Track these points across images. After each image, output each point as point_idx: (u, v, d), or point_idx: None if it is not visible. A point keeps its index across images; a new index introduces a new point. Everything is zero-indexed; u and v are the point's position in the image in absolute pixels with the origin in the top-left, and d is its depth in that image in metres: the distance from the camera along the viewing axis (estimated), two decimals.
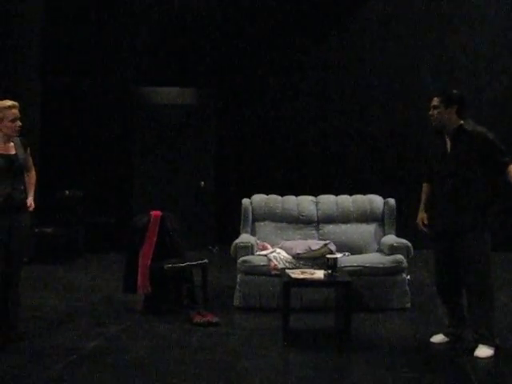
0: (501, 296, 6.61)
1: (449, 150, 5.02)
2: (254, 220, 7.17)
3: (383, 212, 7.10)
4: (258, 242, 6.87)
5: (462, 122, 4.99)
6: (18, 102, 5.11)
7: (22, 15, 9.04)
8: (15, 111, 5.01)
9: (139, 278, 6.16)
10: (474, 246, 4.85)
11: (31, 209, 5.25)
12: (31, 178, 5.29)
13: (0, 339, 5.04)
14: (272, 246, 6.81)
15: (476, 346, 4.88)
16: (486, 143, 4.87)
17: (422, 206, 5.39)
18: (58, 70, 10.09)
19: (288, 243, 6.71)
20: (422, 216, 5.35)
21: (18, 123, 5.02)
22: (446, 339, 5.22)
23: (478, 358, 4.80)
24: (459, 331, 5.20)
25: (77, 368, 4.57)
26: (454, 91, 5.08)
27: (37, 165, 8.78)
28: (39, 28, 9.42)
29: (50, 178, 9.70)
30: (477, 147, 4.87)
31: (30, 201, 5.25)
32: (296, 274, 5.46)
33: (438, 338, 5.25)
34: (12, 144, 5.08)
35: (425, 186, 5.39)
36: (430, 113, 5.08)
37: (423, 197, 5.40)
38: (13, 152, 5.06)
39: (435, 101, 5.06)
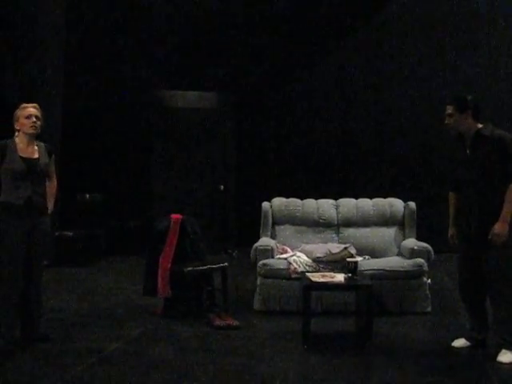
0: None
1: (469, 155, 4.98)
2: (274, 223, 7.16)
3: (404, 215, 7.07)
4: (278, 245, 6.86)
5: (480, 126, 4.95)
6: (40, 106, 5.16)
7: (45, 19, 9.11)
8: (30, 109, 5.04)
9: (159, 281, 6.17)
10: (500, 251, 4.79)
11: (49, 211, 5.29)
12: (52, 188, 5.28)
13: (22, 341, 5.08)
14: (292, 249, 6.80)
15: (499, 351, 4.83)
16: (503, 147, 4.80)
17: (451, 220, 5.27)
18: (80, 74, 10.17)
19: (308, 247, 6.70)
20: (452, 232, 5.24)
21: (33, 119, 5.03)
22: (468, 344, 5.15)
23: (500, 363, 4.74)
24: (482, 336, 5.14)
25: (97, 370, 4.59)
26: (467, 96, 5.02)
27: (58, 170, 8.97)
28: (61, 32, 9.49)
29: (70, 181, 9.75)
30: (495, 151, 4.81)
31: (50, 207, 5.29)
32: (316, 277, 5.45)
33: (460, 343, 5.19)
34: (36, 148, 5.12)
35: (451, 196, 5.27)
36: (446, 122, 5.03)
37: (451, 210, 5.27)
38: (35, 156, 5.09)
39: (449, 109, 5.00)
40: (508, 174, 4.78)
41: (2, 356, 4.80)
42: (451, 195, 5.27)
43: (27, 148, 5.07)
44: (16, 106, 5.15)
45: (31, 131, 5.07)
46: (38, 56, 9.02)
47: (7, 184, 4.95)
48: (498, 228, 4.74)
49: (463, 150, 5.03)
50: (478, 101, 5.01)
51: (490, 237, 4.77)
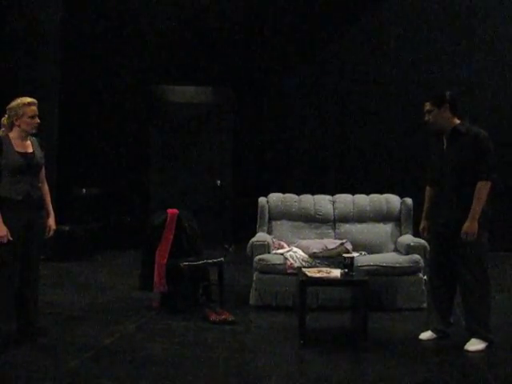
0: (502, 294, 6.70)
1: (445, 151, 5.10)
2: (271, 219, 7.16)
3: (400, 211, 7.08)
4: (275, 240, 6.86)
5: (457, 121, 5.06)
6: (37, 100, 5.14)
7: (42, 15, 9.09)
8: (34, 108, 5.04)
9: (156, 275, 6.17)
10: (471, 244, 4.89)
11: (52, 232, 5.28)
12: (46, 193, 5.29)
13: (18, 335, 5.08)
14: (288, 244, 6.80)
15: (468, 341, 4.97)
16: (478, 146, 4.91)
17: (424, 213, 5.45)
18: (77, 69, 10.14)
19: (304, 242, 6.70)
20: (424, 225, 5.44)
21: (37, 120, 5.05)
22: (434, 336, 5.26)
23: (467, 351, 4.88)
24: (448, 329, 5.26)
25: (93, 364, 4.59)
26: (444, 91, 5.14)
27: (55, 164, 8.97)
28: (58, 27, 9.46)
29: (67, 175, 9.75)
30: (469, 148, 4.93)
31: (52, 222, 5.27)
32: (312, 272, 5.45)
33: (426, 335, 5.29)
34: (29, 142, 5.12)
35: (427, 191, 5.43)
36: (426, 118, 5.16)
37: (426, 204, 5.44)
38: (30, 150, 5.09)
39: (427, 105, 5.14)
40: (479, 170, 4.89)
41: None
42: (428, 190, 5.43)
43: (22, 143, 5.06)
44: (10, 98, 5.12)
45: (34, 131, 5.09)
46: (34, 50, 8.99)
47: (5, 179, 4.93)
48: (468, 226, 4.86)
49: (441, 145, 5.15)
50: (455, 96, 5.13)
51: (461, 235, 4.87)
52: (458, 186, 4.96)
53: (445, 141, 5.12)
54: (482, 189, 4.86)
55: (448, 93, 5.10)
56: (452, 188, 5.00)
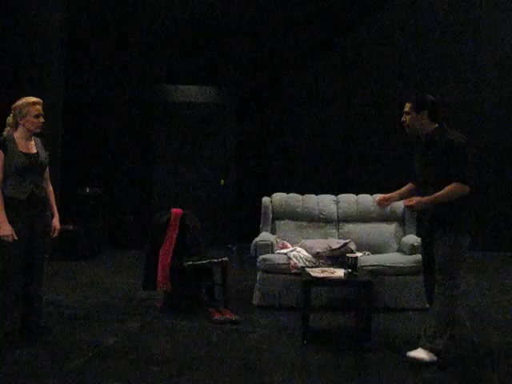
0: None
1: (422, 155, 4.94)
2: (274, 218, 7.17)
3: (404, 211, 7.07)
4: (278, 240, 6.86)
5: (434, 127, 4.86)
6: (41, 99, 5.16)
7: (45, 15, 9.10)
8: (39, 107, 5.06)
9: (159, 275, 6.18)
10: (443, 250, 4.71)
11: (57, 233, 5.29)
12: (50, 193, 5.30)
13: (22, 333, 5.09)
14: (292, 244, 6.80)
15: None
16: (451, 150, 4.70)
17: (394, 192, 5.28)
18: (81, 69, 10.16)
19: (308, 242, 6.70)
20: (385, 196, 5.27)
21: (41, 119, 5.07)
22: None
23: (409, 357, 4.67)
24: (451, 330, 5.15)
25: (97, 363, 4.60)
26: (426, 95, 4.91)
27: (58, 163, 8.99)
28: (61, 27, 9.48)
29: (71, 175, 9.77)
30: (443, 154, 4.73)
31: (56, 223, 5.29)
32: (316, 272, 5.45)
33: None
34: (33, 142, 5.13)
35: (408, 185, 5.27)
36: (403, 119, 4.95)
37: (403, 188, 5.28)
38: (34, 151, 5.10)
39: (407, 106, 4.91)
40: (454, 174, 4.68)
41: (3, 348, 4.82)
42: (409, 184, 5.26)
43: (26, 143, 5.07)
44: (15, 98, 5.14)
45: (38, 130, 5.10)
46: (38, 50, 9.01)
47: (10, 179, 4.95)
48: (417, 200, 4.72)
49: (420, 148, 4.98)
50: (436, 102, 4.90)
51: (407, 203, 4.79)
52: (434, 190, 4.76)
53: (423, 145, 4.95)
54: (455, 189, 4.66)
55: (429, 97, 4.88)
56: (428, 193, 4.80)
